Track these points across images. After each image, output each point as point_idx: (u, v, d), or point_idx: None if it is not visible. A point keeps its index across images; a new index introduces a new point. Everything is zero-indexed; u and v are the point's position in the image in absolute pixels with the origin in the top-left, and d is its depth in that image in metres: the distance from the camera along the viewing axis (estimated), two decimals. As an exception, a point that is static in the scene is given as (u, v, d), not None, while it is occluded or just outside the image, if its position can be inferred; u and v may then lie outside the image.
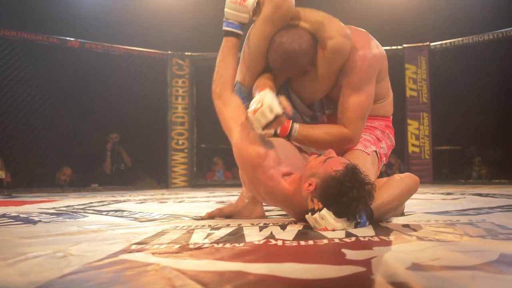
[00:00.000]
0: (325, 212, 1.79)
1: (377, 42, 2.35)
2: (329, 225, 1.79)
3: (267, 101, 1.95)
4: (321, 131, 2.25)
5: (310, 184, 1.86)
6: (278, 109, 1.94)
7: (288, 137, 2.25)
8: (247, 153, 2.03)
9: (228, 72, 2.25)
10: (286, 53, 2.16)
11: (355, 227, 1.85)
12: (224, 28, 2.26)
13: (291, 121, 2.24)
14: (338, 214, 1.80)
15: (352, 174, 1.79)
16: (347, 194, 1.75)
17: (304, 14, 2.23)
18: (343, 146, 2.30)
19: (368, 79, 2.21)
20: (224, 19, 2.26)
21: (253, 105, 2.01)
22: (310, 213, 1.84)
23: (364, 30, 2.40)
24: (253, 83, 2.33)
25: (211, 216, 2.47)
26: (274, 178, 2.01)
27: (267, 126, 1.95)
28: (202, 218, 2.49)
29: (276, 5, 2.15)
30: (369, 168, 2.19)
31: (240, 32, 2.27)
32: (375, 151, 2.30)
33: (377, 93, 2.33)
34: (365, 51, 2.19)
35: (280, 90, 2.38)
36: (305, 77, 2.29)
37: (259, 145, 2.01)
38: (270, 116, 1.93)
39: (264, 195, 2.10)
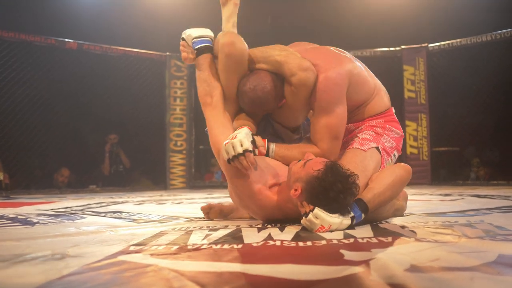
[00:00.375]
0: (317, 210, 1.82)
1: (345, 56, 2.36)
2: (325, 222, 1.81)
3: (239, 136, 2.02)
4: (296, 151, 2.28)
5: (295, 190, 1.91)
6: (247, 145, 1.99)
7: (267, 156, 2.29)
8: (234, 171, 2.08)
9: (219, 83, 2.28)
10: (252, 100, 2.22)
11: (352, 221, 1.87)
12: (199, 46, 2.34)
13: (266, 140, 2.28)
14: (330, 210, 1.83)
15: (332, 169, 1.85)
16: (332, 189, 1.79)
17: (262, 56, 2.26)
18: None
19: (336, 99, 2.22)
20: (194, 39, 2.35)
21: (228, 138, 2.08)
22: (304, 217, 1.86)
23: (330, 48, 2.41)
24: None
25: (210, 207, 2.53)
26: (261, 191, 2.07)
27: (234, 159, 2.00)
28: (201, 209, 2.55)
29: (226, 55, 2.20)
30: (367, 164, 2.21)
31: (212, 46, 2.36)
32: (376, 147, 2.31)
33: (358, 99, 2.35)
34: (329, 72, 2.19)
35: (261, 121, 2.42)
36: (281, 109, 2.33)
37: (242, 170, 2.05)
38: (239, 150, 1.98)
39: (255, 208, 2.14)
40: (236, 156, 1.98)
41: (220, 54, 2.24)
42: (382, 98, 2.45)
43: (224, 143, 2.04)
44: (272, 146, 2.27)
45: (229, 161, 2.01)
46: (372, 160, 2.25)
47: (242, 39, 2.24)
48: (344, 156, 2.27)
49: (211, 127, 2.23)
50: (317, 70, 2.19)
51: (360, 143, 2.31)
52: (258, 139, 2.16)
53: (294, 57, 2.22)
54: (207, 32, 2.38)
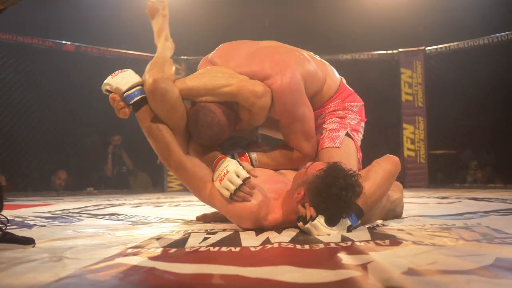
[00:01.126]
0: (317, 222, 1.82)
1: (289, 54, 2.28)
2: (322, 233, 1.81)
3: (232, 168, 1.99)
4: (277, 154, 2.29)
5: (298, 193, 1.90)
6: (244, 174, 1.98)
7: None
8: (240, 212, 2.02)
9: (171, 138, 2.12)
10: (210, 137, 2.12)
11: (348, 230, 1.87)
12: (135, 100, 2.15)
13: (246, 153, 2.27)
14: (330, 221, 1.82)
15: (334, 168, 1.84)
16: (335, 184, 1.77)
17: (205, 88, 2.12)
18: (303, 162, 2.31)
19: (298, 104, 2.18)
20: (126, 94, 2.16)
21: (216, 173, 2.03)
22: (302, 222, 1.86)
23: (272, 47, 2.34)
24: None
25: (205, 217, 2.51)
26: (271, 218, 2.03)
27: (236, 191, 1.97)
28: (197, 218, 2.53)
29: (152, 103, 2.11)
30: (347, 162, 2.10)
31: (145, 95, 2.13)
32: (346, 133, 2.29)
33: (314, 90, 2.30)
34: (281, 81, 2.11)
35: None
36: (242, 125, 2.28)
37: (247, 200, 2.00)
38: (239, 181, 1.96)
39: (269, 225, 2.08)
40: (238, 188, 1.96)
41: (148, 98, 2.12)
42: (332, 78, 2.40)
43: (217, 181, 2.01)
44: (254, 155, 2.27)
45: (231, 196, 1.98)
46: (350, 155, 2.23)
47: (166, 76, 2.10)
48: (321, 159, 2.23)
49: (187, 185, 2.17)
50: (270, 84, 2.11)
51: (331, 138, 2.27)
52: (246, 164, 2.13)
53: (245, 85, 2.09)
54: (134, 78, 2.19)
